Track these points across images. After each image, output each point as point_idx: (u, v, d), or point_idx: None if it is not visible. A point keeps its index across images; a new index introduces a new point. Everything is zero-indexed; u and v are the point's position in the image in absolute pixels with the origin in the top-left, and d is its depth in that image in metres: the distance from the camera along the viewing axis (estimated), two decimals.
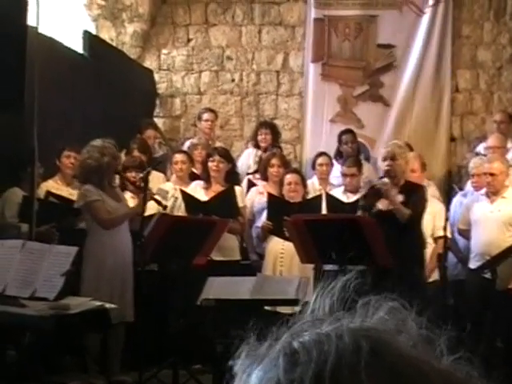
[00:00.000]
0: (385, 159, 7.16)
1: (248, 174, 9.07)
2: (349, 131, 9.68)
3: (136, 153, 8.50)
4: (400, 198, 7.03)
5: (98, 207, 6.73)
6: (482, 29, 10.52)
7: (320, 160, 8.82)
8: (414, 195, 6.96)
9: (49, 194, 7.39)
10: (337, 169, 8.87)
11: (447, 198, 7.64)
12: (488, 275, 6.97)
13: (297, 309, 6.35)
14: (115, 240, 6.77)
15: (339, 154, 9.32)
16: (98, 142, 6.90)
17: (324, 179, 8.71)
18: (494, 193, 7.38)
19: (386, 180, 7.10)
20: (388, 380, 0.80)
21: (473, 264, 7.33)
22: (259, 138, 9.46)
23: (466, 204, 7.80)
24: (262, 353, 0.85)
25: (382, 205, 7.00)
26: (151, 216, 7.19)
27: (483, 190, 7.54)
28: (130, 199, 7.39)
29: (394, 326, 0.85)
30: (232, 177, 8.07)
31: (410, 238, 6.79)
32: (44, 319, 5.22)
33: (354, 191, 8.19)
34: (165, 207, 7.32)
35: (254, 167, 9.16)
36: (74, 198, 7.26)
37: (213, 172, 7.87)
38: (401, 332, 0.85)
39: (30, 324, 5.36)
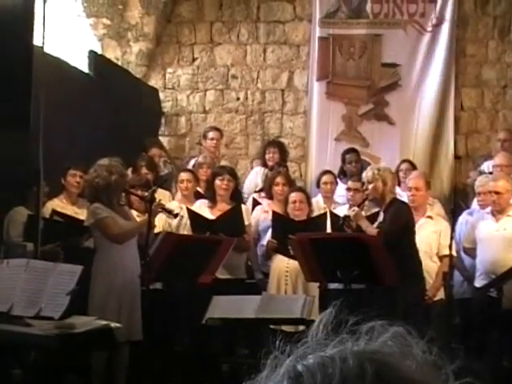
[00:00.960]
0: (364, 183, 7.34)
1: (255, 192, 9.08)
2: (352, 150, 9.69)
3: (144, 170, 8.53)
4: (380, 218, 7.10)
5: (108, 223, 6.73)
6: (487, 47, 10.53)
7: (324, 178, 8.82)
8: (390, 213, 7.03)
9: (54, 212, 7.40)
10: (341, 187, 8.87)
11: (452, 216, 7.62)
12: (494, 294, 6.94)
13: (301, 328, 6.34)
14: (124, 258, 6.77)
15: (343, 173, 9.33)
16: (105, 161, 6.91)
17: (328, 197, 8.71)
18: (499, 211, 7.37)
19: (356, 208, 7.21)
20: None
21: (478, 283, 7.31)
22: (267, 156, 9.48)
23: (471, 222, 7.79)
24: (268, 375, 0.85)
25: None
26: (157, 234, 7.19)
27: (488, 209, 7.53)
28: (136, 218, 7.39)
29: (398, 349, 0.85)
30: (236, 195, 8.08)
31: (392, 256, 6.71)
32: (49, 338, 5.21)
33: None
34: (176, 215, 7.31)
35: (261, 185, 9.17)
36: (80, 216, 7.26)
37: (222, 191, 7.86)
38: (406, 356, 0.84)
39: (35, 343, 5.35)
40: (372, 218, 7.35)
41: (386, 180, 7.20)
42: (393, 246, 6.66)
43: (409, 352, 0.85)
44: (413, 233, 7.08)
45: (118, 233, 6.72)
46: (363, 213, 7.31)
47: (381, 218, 7.17)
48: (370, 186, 7.16)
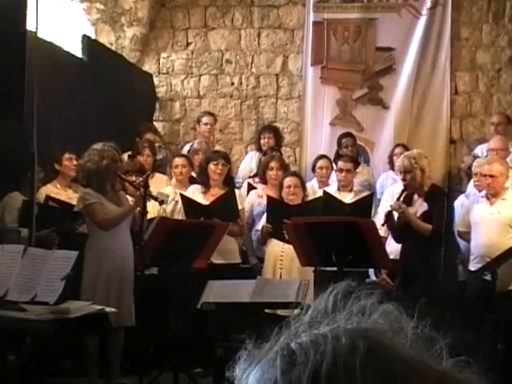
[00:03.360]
0: (400, 173, 7.22)
1: (249, 177, 9.08)
2: (348, 134, 9.69)
3: (147, 152, 8.55)
4: (424, 205, 7.01)
5: (95, 209, 6.73)
6: (481, 31, 10.52)
7: (320, 163, 8.81)
8: (436, 205, 6.96)
9: (48, 198, 7.40)
10: None
11: (447, 199, 7.62)
12: (488, 277, 6.96)
13: (296, 311, 6.36)
14: (115, 243, 6.76)
15: (339, 157, 9.32)
16: (98, 146, 6.90)
17: (324, 182, 8.71)
18: (493, 195, 7.37)
19: (399, 203, 7.09)
20: (383, 380, 0.80)
21: (473, 266, 7.33)
22: (262, 141, 9.48)
23: (465, 206, 7.80)
24: (261, 354, 0.85)
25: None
26: (151, 220, 7.19)
27: (483, 192, 7.54)
28: (131, 203, 7.38)
29: (389, 327, 0.85)
30: (229, 180, 8.09)
31: (439, 250, 6.80)
32: (44, 323, 5.22)
33: (348, 188, 8.24)
34: (161, 202, 7.32)
35: (256, 170, 9.17)
36: (74, 201, 7.26)
37: (216, 175, 7.86)
38: (398, 333, 0.85)
39: (31, 328, 5.36)
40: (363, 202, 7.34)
41: (424, 167, 7.17)
42: (440, 240, 6.77)
43: (400, 329, 0.85)
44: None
45: (104, 219, 6.71)
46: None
47: (421, 205, 7.07)
48: (409, 176, 7.08)
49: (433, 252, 6.81)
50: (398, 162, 7.38)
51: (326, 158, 8.97)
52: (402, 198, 7.21)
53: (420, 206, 7.11)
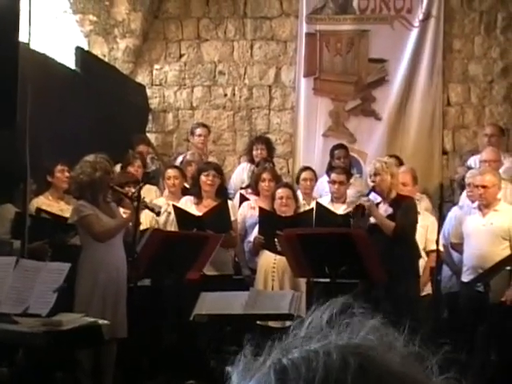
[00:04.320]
0: (370, 176, 7.30)
1: (241, 188, 9.08)
2: (341, 146, 9.69)
3: (138, 163, 8.55)
4: (388, 210, 7.10)
5: (91, 221, 6.72)
6: (473, 43, 10.56)
7: (304, 175, 8.78)
8: (402, 208, 7.04)
9: (39, 210, 7.38)
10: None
11: (440, 211, 7.65)
12: (481, 288, 6.97)
13: (288, 323, 6.35)
14: (109, 255, 6.75)
15: (331, 169, 9.33)
16: (90, 158, 6.89)
17: (308, 194, 8.68)
18: (485, 205, 7.39)
19: (368, 197, 7.19)
20: None
21: (465, 277, 7.33)
22: (254, 152, 9.46)
23: (458, 218, 7.81)
24: (254, 369, 0.85)
25: (373, 219, 7.09)
26: (145, 231, 7.19)
27: (476, 204, 7.55)
28: (124, 215, 7.38)
29: (380, 343, 0.85)
30: (222, 191, 8.08)
31: (401, 250, 6.84)
32: (36, 335, 5.20)
33: (341, 200, 8.24)
34: (158, 213, 7.33)
35: (247, 182, 9.16)
36: (66, 213, 7.24)
37: (207, 187, 7.86)
38: (389, 349, 0.85)
39: (23, 340, 5.34)
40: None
41: (394, 174, 7.25)
42: (401, 241, 6.77)
43: (391, 345, 0.85)
44: (416, 231, 7.16)
45: (100, 231, 6.70)
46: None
47: (386, 210, 7.14)
48: (378, 178, 7.16)
49: (395, 253, 6.80)
50: (370, 165, 7.48)
51: (310, 169, 8.94)
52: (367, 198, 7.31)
53: (385, 212, 7.17)
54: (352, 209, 7.22)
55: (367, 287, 6.71)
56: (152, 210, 7.16)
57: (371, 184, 7.31)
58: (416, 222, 7.15)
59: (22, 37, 6.47)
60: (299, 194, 8.70)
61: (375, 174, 7.21)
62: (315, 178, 8.83)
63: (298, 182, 8.91)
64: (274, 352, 0.86)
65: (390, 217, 7.09)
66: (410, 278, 6.94)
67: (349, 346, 0.84)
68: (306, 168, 9.00)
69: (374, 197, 7.36)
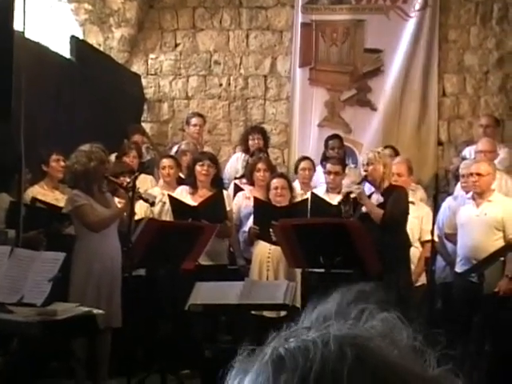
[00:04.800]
0: (363, 165, 7.32)
1: (235, 178, 9.07)
2: (335, 136, 9.69)
3: (133, 153, 8.54)
4: (380, 199, 7.12)
5: (85, 211, 6.72)
6: (469, 33, 10.56)
7: (302, 164, 8.82)
8: (392, 197, 7.07)
9: (34, 200, 7.37)
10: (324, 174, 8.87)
11: (434, 201, 7.65)
12: (475, 279, 6.98)
13: (283, 313, 6.37)
14: (104, 245, 6.75)
15: (326, 159, 9.33)
16: (85, 147, 6.88)
17: (306, 183, 8.70)
18: (479, 195, 7.38)
19: (359, 185, 7.20)
20: None
21: (459, 268, 7.34)
22: (250, 142, 9.44)
23: (452, 208, 7.82)
24: (253, 359, 0.85)
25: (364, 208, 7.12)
26: (139, 221, 7.18)
27: (470, 194, 7.56)
28: (119, 204, 7.37)
29: (381, 335, 0.85)
30: (217, 181, 8.08)
31: (391, 239, 6.85)
32: (31, 325, 5.20)
33: (336, 190, 8.25)
34: (152, 204, 7.33)
35: (242, 171, 9.16)
36: (61, 202, 7.24)
37: (202, 176, 7.86)
38: (388, 341, 0.85)
39: (17, 330, 5.34)
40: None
41: (387, 164, 7.27)
42: (391, 229, 6.77)
43: (391, 338, 0.86)
44: (407, 218, 7.18)
45: (95, 221, 6.70)
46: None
47: (377, 199, 7.17)
48: (371, 168, 7.18)
49: (385, 242, 6.82)
50: (363, 155, 7.51)
51: (309, 159, 8.97)
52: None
53: (377, 201, 7.19)
54: (342, 196, 7.24)
55: (361, 277, 6.71)
56: (146, 200, 7.15)
57: (364, 173, 7.33)
58: (407, 211, 7.16)
59: (17, 26, 6.45)
60: (297, 183, 8.73)
61: (368, 164, 7.23)
62: (313, 168, 8.84)
63: (296, 171, 8.94)
64: (273, 342, 0.86)
65: (381, 205, 7.10)
66: (401, 267, 6.96)
67: (347, 336, 0.84)
68: (305, 158, 9.03)
69: (370, 188, 7.37)
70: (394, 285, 6.50)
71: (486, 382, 5.78)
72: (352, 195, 7.10)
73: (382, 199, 7.16)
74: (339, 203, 7.20)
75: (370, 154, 7.32)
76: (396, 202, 7.08)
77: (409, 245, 7.23)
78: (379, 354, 0.82)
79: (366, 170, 7.28)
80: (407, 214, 7.18)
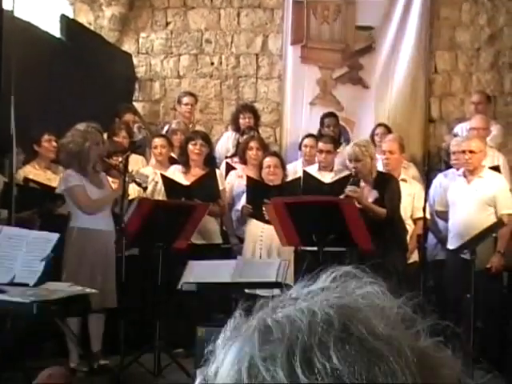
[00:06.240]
0: (350, 161, 7.27)
1: (227, 157, 9.06)
2: (331, 114, 9.68)
3: (123, 134, 8.53)
4: (374, 194, 7.12)
5: (78, 192, 6.72)
6: (460, 10, 10.53)
7: (305, 141, 8.86)
8: (388, 190, 7.07)
9: (27, 180, 7.36)
10: None
11: (426, 179, 7.66)
12: (467, 256, 7.00)
13: (276, 291, 6.38)
14: (97, 224, 6.76)
15: (320, 138, 9.32)
16: (82, 126, 6.86)
17: (308, 161, 8.72)
18: (471, 171, 7.40)
19: (354, 187, 7.13)
20: (358, 356, 0.80)
21: (451, 244, 7.37)
22: (241, 121, 9.42)
23: (444, 186, 7.83)
24: (240, 329, 0.85)
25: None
26: (132, 200, 7.18)
27: (461, 171, 7.57)
28: (113, 185, 7.36)
29: (369, 306, 0.85)
30: (210, 160, 8.07)
31: (392, 230, 6.96)
32: (24, 305, 5.20)
33: (329, 168, 8.25)
34: (145, 188, 7.32)
35: (233, 150, 9.14)
36: (53, 182, 7.23)
37: (194, 155, 7.84)
38: (376, 312, 0.85)
39: (10, 310, 5.34)
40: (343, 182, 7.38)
41: (372, 155, 7.26)
42: (392, 221, 6.87)
43: (380, 308, 0.86)
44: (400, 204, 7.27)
45: (87, 203, 6.70)
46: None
47: (370, 192, 7.16)
48: (359, 164, 7.14)
49: (386, 236, 6.85)
50: (348, 149, 7.43)
51: (313, 136, 8.97)
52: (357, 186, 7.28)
53: (369, 193, 7.18)
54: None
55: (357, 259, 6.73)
56: (139, 184, 7.14)
57: (353, 169, 7.26)
58: (400, 198, 7.26)
59: (6, 5, 6.42)
60: (299, 162, 8.75)
61: (356, 160, 7.19)
62: (316, 146, 8.83)
63: (300, 148, 8.96)
64: (260, 312, 0.86)
65: (377, 200, 7.10)
66: (400, 253, 7.02)
67: (334, 305, 0.84)
68: (309, 135, 9.03)
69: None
70: (391, 267, 6.52)
71: (476, 358, 5.80)
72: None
73: (375, 193, 7.15)
74: (336, 182, 7.22)
75: (357, 149, 7.25)
76: (392, 195, 7.14)
77: (406, 231, 7.32)
78: (367, 323, 0.82)
79: (355, 167, 7.23)
80: (400, 200, 7.26)
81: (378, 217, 6.99)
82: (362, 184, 7.22)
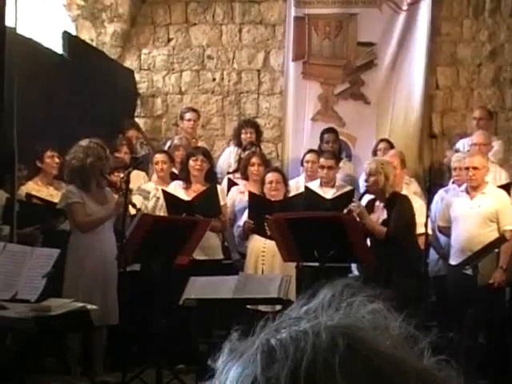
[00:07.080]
0: (366, 175, 7.20)
1: (229, 173, 9.07)
2: (331, 130, 9.69)
3: (125, 150, 8.54)
4: (383, 214, 6.99)
5: (76, 209, 6.71)
6: (462, 26, 10.56)
7: (307, 157, 8.85)
8: (395, 210, 6.93)
9: (29, 196, 7.36)
10: None
11: (428, 194, 7.66)
12: (469, 271, 6.99)
13: (278, 307, 6.37)
14: (98, 241, 6.75)
15: (321, 153, 9.33)
16: (84, 142, 6.87)
17: (310, 176, 8.72)
18: (474, 188, 7.40)
19: (358, 203, 7.08)
20: (363, 377, 0.80)
21: (453, 260, 7.36)
22: (243, 136, 9.43)
23: (445, 201, 7.83)
24: (242, 349, 0.85)
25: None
26: (134, 216, 7.17)
27: (463, 187, 7.57)
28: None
29: (373, 325, 0.85)
30: (211, 176, 8.08)
31: (396, 252, 6.73)
32: (25, 321, 5.20)
33: (330, 184, 8.24)
34: (138, 210, 7.26)
35: (234, 166, 9.15)
36: (55, 198, 7.23)
37: (195, 171, 7.86)
38: (380, 331, 0.85)
39: (12, 326, 5.34)
40: (344, 198, 7.36)
41: (389, 175, 7.09)
42: (398, 242, 6.71)
43: (384, 328, 0.85)
44: (415, 227, 7.05)
45: (83, 222, 6.69)
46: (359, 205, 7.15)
47: (382, 212, 7.06)
48: (372, 179, 7.05)
49: (388, 255, 6.74)
50: (366, 164, 7.36)
51: (315, 152, 8.97)
52: (361, 200, 7.20)
53: (381, 213, 7.08)
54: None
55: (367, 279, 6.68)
56: (134, 206, 7.05)
57: (365, 184, 7.22)
58: (413, 221, 7.01)
59: (9, 21, 6.44)
60: (302, 178, 8.75)
61: (370, 175, 7.11)
62: (318, 161, 8.82)
63: (302, 164, 8.96)
64: (263, 333, 0.86)
65: (385, 221, 6.98)
66: (409, 279, 6.78)
67: (338, 326, 0.83)
68: (311, 150, 9.03)
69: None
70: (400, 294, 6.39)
71: (479, 374, 5.78)
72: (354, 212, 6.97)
73: (385, 214, 6.98)
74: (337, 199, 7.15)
75: (373, 165, 7.15)
76: (399, 215, 6.93)
77: (417, 256, 7.10)
78: (371, 343, 0.82)
79: (366, 181, 7.17)
80: (414, 224, 7.02)
81: (377, 236, 6.90)
82: (377, 203, 7.15)
